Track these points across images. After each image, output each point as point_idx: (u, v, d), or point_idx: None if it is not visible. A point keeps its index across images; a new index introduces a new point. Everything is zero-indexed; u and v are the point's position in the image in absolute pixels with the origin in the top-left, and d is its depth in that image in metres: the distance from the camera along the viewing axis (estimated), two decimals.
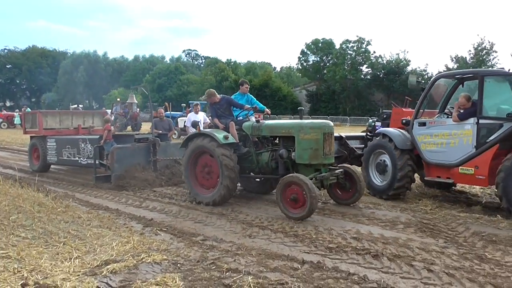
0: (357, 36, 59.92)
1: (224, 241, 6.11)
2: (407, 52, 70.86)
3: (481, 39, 47.34)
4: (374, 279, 4.66)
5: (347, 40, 58.82)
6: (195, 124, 9.29)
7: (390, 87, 51.53)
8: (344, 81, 55.86)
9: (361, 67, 57.67)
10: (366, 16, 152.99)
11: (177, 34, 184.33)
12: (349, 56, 58.24)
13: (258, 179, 9.21)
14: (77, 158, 12.18)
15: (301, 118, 8.44)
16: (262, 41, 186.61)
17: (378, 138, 9.08)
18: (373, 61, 56.60)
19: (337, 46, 60.51)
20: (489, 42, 46.74)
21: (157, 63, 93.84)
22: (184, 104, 34.63)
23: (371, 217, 7.38)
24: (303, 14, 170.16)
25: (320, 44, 62.86)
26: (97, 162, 11.06)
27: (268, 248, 5.80)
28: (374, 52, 57.72)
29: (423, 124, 8.48)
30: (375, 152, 9.03)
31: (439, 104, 9.02)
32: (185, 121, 13.82)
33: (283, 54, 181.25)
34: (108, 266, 4.98)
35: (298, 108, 9.15)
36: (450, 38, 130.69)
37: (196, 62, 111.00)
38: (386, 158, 8.76)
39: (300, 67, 67.69)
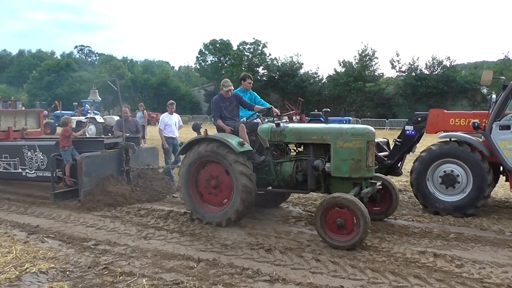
0: (254, 38, 61.47)
1: (117, 245, 5.93)
2: (300, 55, 74.15)
3: (365, 46, 51.24)
4: (267, 272, 4.86)
5: (244, 42, 60.16)
6: (196, 128, 7.48)
7: (285, 89, 53.57)
8: None
9: (257, 69, 59.17)
10: (262, 19, 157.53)
11: (68, 28, 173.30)
12: (246, 57, 59.50)
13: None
14: (20, 170, 9.77)
15: (326, 121, 7.43)
16: (160, 40, 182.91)
17: (449, 145, 7.53)
18: (269, 63, 58.44)
19: (235, 48, 61.56)
20: (371, 49, 50.82)
21: (45, 58, 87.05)
22: (76, 103, 32.80)
23: (265, 213, 7.66)
24: (201, 14, 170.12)
25: (218, 45, 63.47)
26: (55, 175, 9.02)
27: (164, 248, 5.75)
28: (270, 54, 59.73)
29: (507, 127, 7.26)
30: (438, 162, 7.57)
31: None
32: (117, 125, 10.94)
33: (181, 53, 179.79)
34: None
35: (324, 110, 7.66)
36: (338, 44, 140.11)
37: (89, 59, 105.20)
38: (456, 168, 7.42)
39: (199, 67, 67.70)
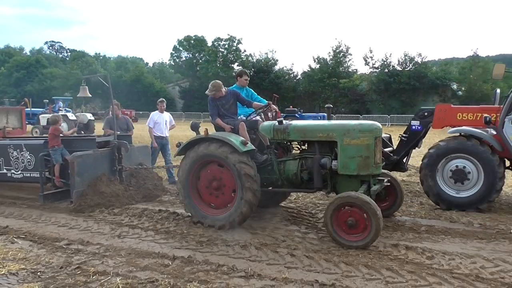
0: (229, 34, 61.29)
1: (91, 244, 5.84)
2: (275, 52, 74.61)
3: (339, 43, 51.94)
4: (243, 268, 4.88)
5: (218, 38, 59.96)
6: (195, 127, 7.10)
7: (260, 85, 53.64)
8: (217, 78, 56.51)
9: (232, 65, 59.14)
10: (237, 16, 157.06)
11: (37, 24, 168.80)
12: (221, 53, 59.34)
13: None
14: (5, 171, 9.20)
15: (329, 118, 7.10)
16: (134, 36, 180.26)
17: (458, 140, 7.50)
18: (244, 59, 58.42)
19: (209, 44, 61.25)
20: (345, 45, 51.42)
21: (14, 54, 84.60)
22: (47, 100, 32.02)
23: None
24: (176, 10, 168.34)
25: (192, 41, 63.05)
26: (44, 175, 8.53)
27: (138, 247, 5.69)
28: (245, 50, 59.80)
29: None
30: (448, 157, 7.50)
31: None
32: (107, 123, 10.33)
33: (155, 50, 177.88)
34: None
35: (326, 106, 7.33)
36: (313, 40, 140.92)
37: (60, 55, 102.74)
38: (466, 164, 7.38)
39: (173, 63, 67.15)
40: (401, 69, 46.19)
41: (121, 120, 10.46)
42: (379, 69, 47.81)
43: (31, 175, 8.88)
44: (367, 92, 47.61)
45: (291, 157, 6.75)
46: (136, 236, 6.20)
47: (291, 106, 35.74)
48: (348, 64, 51.74)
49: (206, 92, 7.07)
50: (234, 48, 59.25)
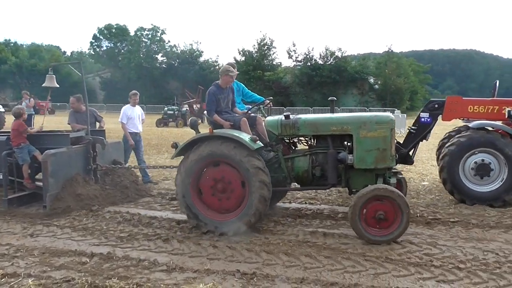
0: (152, 24, 59.89)
1: None
2: (200, 43, 73.92)
3: (263, 36, 52.48)
4: (164, 262, 4.83)
5: (141, 28, 58.31)
6: (194, 125, 6.40)
7: (185, 77, 53.05)
8: (140, 69, 55.17)
9: (156, 56, 57.78)
10: (160, 5, 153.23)
11: None
12: (144, 44, 57.72)
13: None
14: None
15: (332, 111, 6.79)
16: (49, 22, 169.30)
17: (483, 134, 7.35)
18: (168, 50, 57.30)
19: (132, 33, 59.31)
20: (270, 38, 52.14)
21: None
22: None
23: (163, 203, 7.58)
24: None
25: (113, 30, 60.63)
26: (7, 177, 7.38)
27: (53, 245, 5.44)
28: (169, 41, 58.73)
29: None
30: (472, 151, 7.35)
31: None
32: (72, 117, 9.04)
33: (74, 38, 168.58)
34: None
35: (329, 99, 6.95)
36: (238, 33, 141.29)
37: None
38: (489, 158, 7.28)
39: (93, 53, 64.07)
40: (322, 63, 47.77)
41: (84, 113, 8.74)
42: (302, 63, 49.10)
43: None
44: (290, 84, 48.72)
45: (300, 153, 6.35)
46: (51, 234, 5.91)
47: None
48: (273, 57, 52.59)
49: (224, 72, 6.43)
50: (158, 38, 57.90)
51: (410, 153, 7.92)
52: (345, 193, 8.10)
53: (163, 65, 57.93)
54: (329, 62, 47.71)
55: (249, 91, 7.81)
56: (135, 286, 4.20)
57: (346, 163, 5.91)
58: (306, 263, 4.78)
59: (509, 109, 7.50)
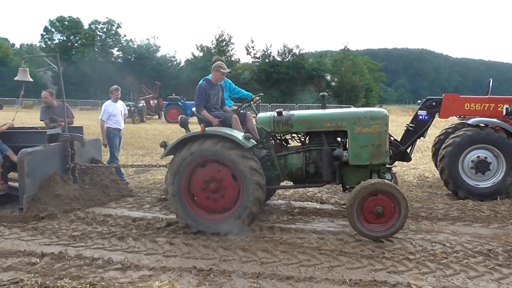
0: (107, 17, 58.45)
1: None
2: (157, 38, 72.70)
3: (222, 31, 52.35)
4: (119, 260, 4.75)
5: (96, 21, 56.66)
6: (184, 123, 6.10)
7: (142, 72, 52.01)
8: (95, 63, 53.59)
9: (112, 50, 56.37)
10: None
11: None
12: (99, 37, 56.14)
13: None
14: None
15: (324, 107, 6.65)
16: None
17: (482, 131, 7.50)
18: (124, 44, 56.03)
19: (86, 26, 57.54)
20: (228, 34, 52.06)
21: None
22: None
23: (119, 201, 7.43)
24: None
25: (66, 22, 58.56)
26: None
27: (0, 246, 5.21)
28: (125, 35, 57.51)
29: None
30: (471, 147, 7.48)
31: None
32: (44, 113, 8.37)
33: (23, 30, 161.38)
34: None
35: (320, 94, 6.88)
36: (196, 28, 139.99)
37: None
38: (488, 154, 7.46)
39: (44, 46, 61.61)
40: (280, 60, 48.19)
41: (56, 108, 8.37)
42: (260, 59, 49.34)
43: None
44: (249, 81, 48.81)
45: (293, 151, 6.26)
46: None
47: (173, 94, 35.15)
48: (231, 53, 52.58)
49: (216, 69, 6.41)
50: (113, 32, 56.48)
51: (408, 150, 7.97)
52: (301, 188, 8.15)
53: (119, 60, 56.54)
54: (287, 59, 48.22)
55: (236, 87, 7.73)
56: (88, 285, 4.10)
57: (342, 160, 5.89)
58: (263, 258, 4.83)
59: (507, 106, 7.70)
